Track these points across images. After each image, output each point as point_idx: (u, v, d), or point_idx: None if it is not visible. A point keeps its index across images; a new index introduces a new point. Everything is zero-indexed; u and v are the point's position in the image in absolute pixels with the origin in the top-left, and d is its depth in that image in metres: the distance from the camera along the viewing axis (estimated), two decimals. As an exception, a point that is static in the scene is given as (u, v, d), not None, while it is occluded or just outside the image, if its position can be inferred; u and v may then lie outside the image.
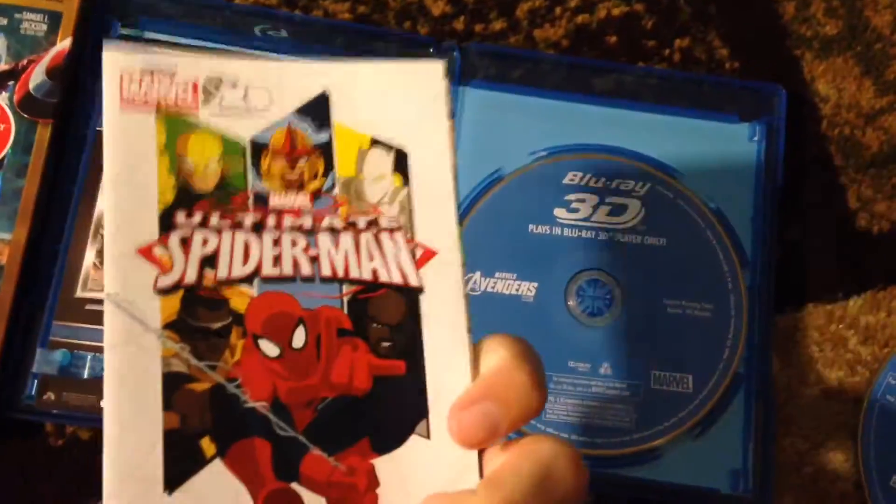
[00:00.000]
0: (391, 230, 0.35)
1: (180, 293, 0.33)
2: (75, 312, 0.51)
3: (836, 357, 0.56)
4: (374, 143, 0.36)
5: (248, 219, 0.34)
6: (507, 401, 0.34)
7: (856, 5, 0.61)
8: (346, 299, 0.35)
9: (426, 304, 0.35)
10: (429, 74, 0.37)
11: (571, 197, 0.56)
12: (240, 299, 0.34)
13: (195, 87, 0.34)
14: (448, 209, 0.36)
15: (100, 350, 0.51)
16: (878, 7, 0.61)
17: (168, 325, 0.33)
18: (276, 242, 0.34)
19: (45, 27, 0.55)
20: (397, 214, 0.35)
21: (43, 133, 0.54)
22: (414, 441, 0.34)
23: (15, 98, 0.54)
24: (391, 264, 0.35)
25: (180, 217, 0.33)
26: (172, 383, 0.32)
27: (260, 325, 0.34)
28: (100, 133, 0.53)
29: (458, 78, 0.57)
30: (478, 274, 0.54)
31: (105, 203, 0.34)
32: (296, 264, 0.34)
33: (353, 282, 0.35)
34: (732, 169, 0.57)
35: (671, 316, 0.54)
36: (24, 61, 0.54)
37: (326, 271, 0.34)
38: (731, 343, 0.54)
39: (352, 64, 0.36)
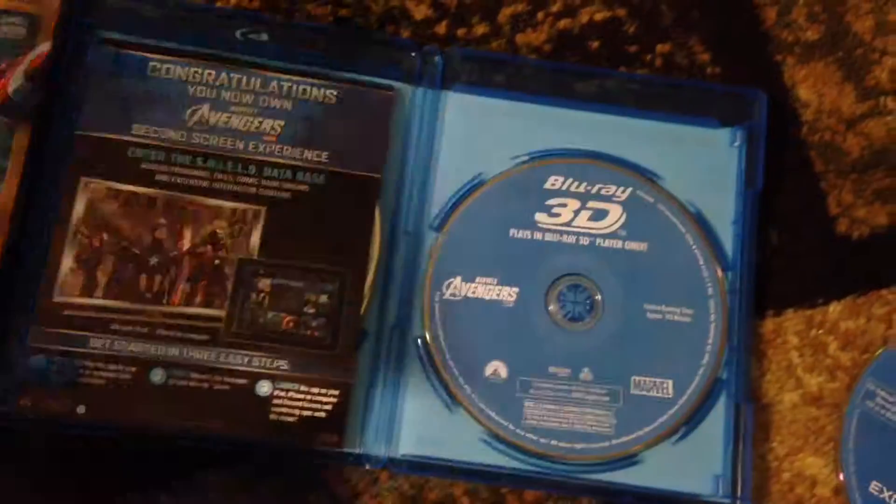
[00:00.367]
0: None
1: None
2: (53, 317, 0.51)
3: (815, 362, 0.56)
4: None
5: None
6: None
7: (837, 11, 0.61)
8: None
9: None
10: None
11: (553, 202, 0.56)
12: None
13: None
14: None
15: (78, 355, 0.50)
16: (859, 13, 0.61)
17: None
18: None
19: (23, 30, 0.55)
20: None
21: (21, 137, 0.53)
22: None
23: (-7, 101, 0.54)
24: None
25: None
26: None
27: None
28: (79, 137, 0.53)
29: (440, 82, 0.57)
30: (458, 279, 0.54)
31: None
32: None
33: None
34: (713, 174, 0.57)
35: (652, 321, 0.54)
36: (3, 65, 0.54)
37: None
38: (712, 348, 0.54)
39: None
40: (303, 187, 0.54)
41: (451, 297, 0.54)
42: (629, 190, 0.56)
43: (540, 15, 0.60)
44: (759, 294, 0.55)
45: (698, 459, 0.53)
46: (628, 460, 0.53)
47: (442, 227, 0.55)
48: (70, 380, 0.50)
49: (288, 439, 0.51)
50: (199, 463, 0.53)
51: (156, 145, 0.54)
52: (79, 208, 0.52)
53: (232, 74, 0.55)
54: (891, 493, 0.53)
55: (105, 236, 0.52)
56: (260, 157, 0.54)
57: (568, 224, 0.55)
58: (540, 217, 0.55)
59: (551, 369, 0.53)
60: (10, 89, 0.54)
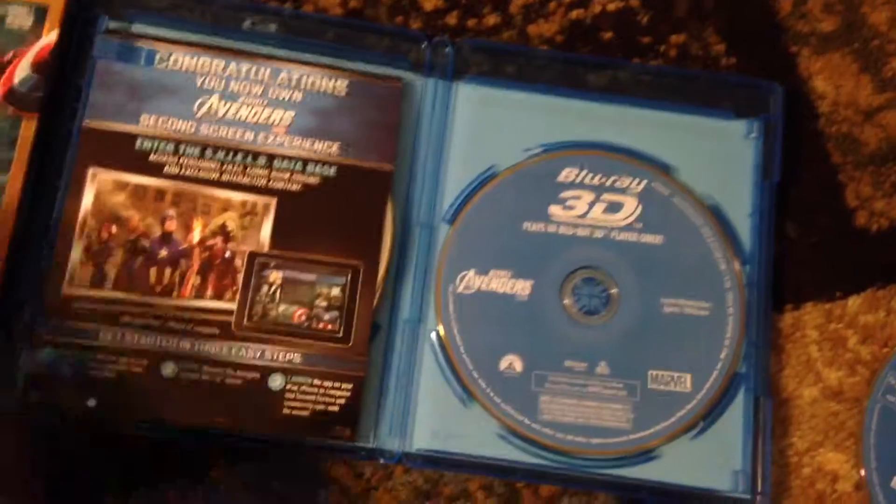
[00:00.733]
0: None
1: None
2: (63, 310, 0.50)
3: (835, 357, 0.55)
4: None
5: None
6: None
7: (853, 2, 0.60)
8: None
9: None
10: None
11: (567, 194, 0.55)
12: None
13: None
14: None
15: (86, 348, 0.50)
16: (875, 3, 0.60)
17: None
18: None
19: (30, 21, 0.54)
20: None
21: (28, 127, 0.53)
22: None
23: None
24: None
25: None
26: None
27: None
28: (86, 128, 0.52)
29: (451, 74, 0.56)
30: (472, 272, 0.53)
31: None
32: None
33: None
34: (729, 166, 0.56)
35: (668, 315, 0.53)
36: (9, 55, 0.53)
37: None
38: (730, 342, 0.53)
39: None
40: (313, 179, 0.53)
41: (465, 291, 0.53)
42: (644, 182, 0.55)
43: (552, 5, 0.60)
44: (777, 288, 0.55)
45: (717, 455, 0.52)
46: (646, 455, 0.52)
47: (454, 219, 0.54)
48: (80, 373, 0.49)
49: (301, 434, 0.50)
50: (212, 457, 0.52)
51: (164, 136, 0.53)
52: (87, 200, 0.52)
53: (241, 65, 0.55)
54: (912, 488, 0.52)
55: (114, 229, 0.51)
56: (270, 149, 0.53)
57: (582, 217, 0.55)
58: (554, 210, 0.55)
59: (567, 363, 0.53)
60: (17, 80, 0.53)
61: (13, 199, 0.51)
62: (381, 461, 0.51)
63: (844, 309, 0.56)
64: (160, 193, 0.52)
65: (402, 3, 0.59)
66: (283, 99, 0.54)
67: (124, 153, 0.52)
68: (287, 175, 0.53)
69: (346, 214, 0.53)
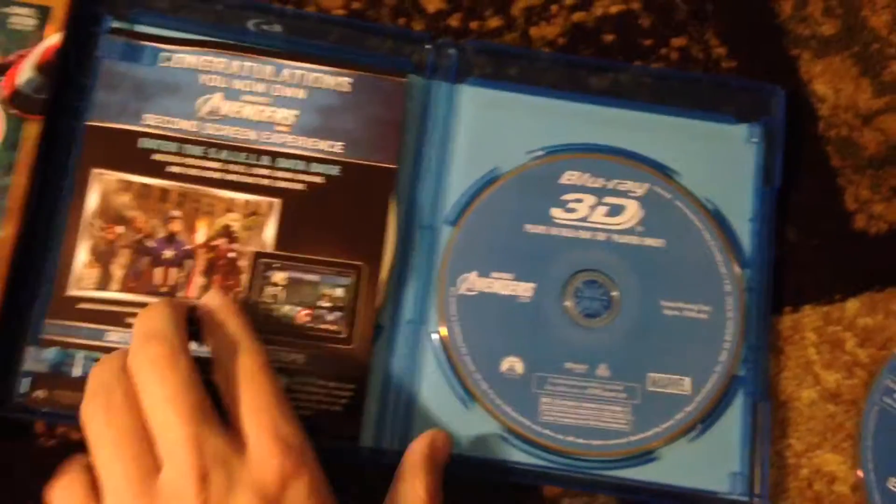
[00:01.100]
0: None
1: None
2: (67, 310, 0.50)
3: (833, 359, 0.56)
4: None
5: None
6: None
7: (853, 5, 0.61)
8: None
9: None
10: None
11: (568, 197, 0.55)
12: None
13: None
14: None
15: (91, 348, 0.50)
16: (875, 7, 0.61)
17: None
18: None
19: (34, 21, 0.54)
20: None
21: (31, 129, 0.53)
22: None
23: (3, 93, 0.53)
24: None
25: None
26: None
27: None
28: (90, 128, 0.52)
29: (455, 75, 0.57)
30: (474, 274, 0.54)
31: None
32: None
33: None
34: (730, 170, 0.56)
35: (669, 317, 0.54)
36: (13, 56, 0.53)
37: None
38: (729, 345, 0.53)
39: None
40: (317, 178, 0.53)
41: (467, 293, 0.53)
42: (646, 186, 0.56)
43: (554, 8, 0.60)
44: (776, 290, 0.55)
45: (716, 456, 0.53)
46: (645, 457, 0.52)
47: (457, 221, 0.55)
48: (85, 373, 0.49)
49: (304, 434, 0.50)
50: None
51: (166, 136, 0.53)
52: (91, 201, 0.52)
53: (244, 62, 0.55)
54: (908, 489, 0.53)
55: (119, 229, 0.52)
56: (273, 148, 0.54)
57: (584, 219, 0.55)
58: (556, 212, 0.55)
59: (567, 365, 0.53)
60: (21, 81, 0.53)
61: (18, 200, 0.51)
62: (383, 462, 0.51)
63: (843, 312, 0.56)
64: (164, 194, 0.52)
65: (404, 4, 0.59)
66: (287, 97, 0.55)
67: (127, 153, 0.53)
68: (291, 175, 0.53)
69: (349, 214, 0.53)
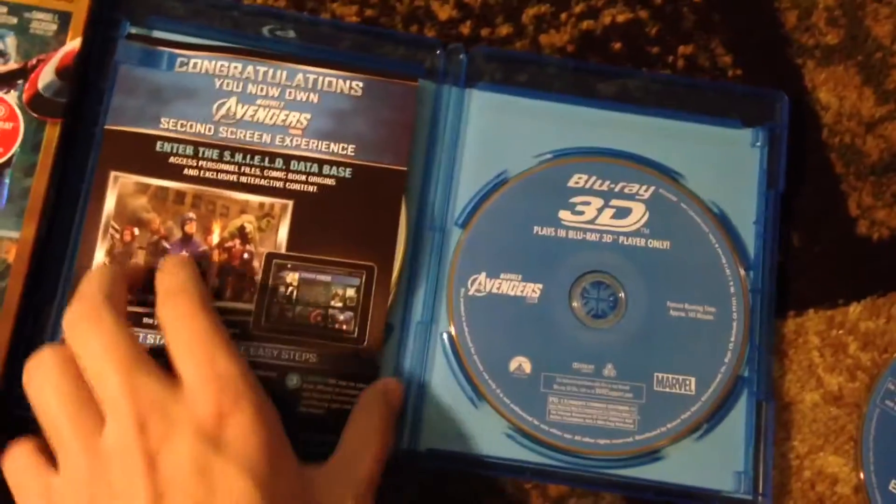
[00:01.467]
0: None
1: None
2: (84, 310, 0.51)
3: (836, 362, 0.56)
4: None
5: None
6: None
7: (857, 15, 0.62)
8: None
9: None
10: None
11: (576, 199, 0.56)
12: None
13: None
14: None
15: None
16: (878, 17, 0.62)
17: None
18: None
19: (54, 27, 0.55)
20: None
21: (51, 132, 0.54)
22: None
23: (24, 97, 0.54)
24: None
25: None
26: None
27: None
28: (108, 132, 0.54)
29: (465, 80, 0.58)
30: (483, 275, 0.55)
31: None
32: None
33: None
34: (735, 174, 0.57)
35: (674, 319, 0.55)
36: (34, 60, 0.55)
37: None
38: (734, 346, 0.54)
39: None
40: (329, 181, 0.54)
41: (476, 294, 0.54)
42: (652, 189, 0.57)
43: (563, 16, 0.61)
44: (780, 294, 0.56)
45: (720, 456, 0.53)
46: (651, 456, 0.53)
47: (466, 223, 0.56)
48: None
49: (316, 432, 0.51)
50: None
51: (183, 139, 0.54)
52: (109, 203, 0.53)
53: (258, 67, 0.56)
54: (909, 491, 0.54)
55: (136, 231, 0.53)
56: (287, 151, 0.55)
57: (591, 222, 0.56)
58: (563, 214, 0.56)
59: (575, 365, 0.54)
60: (41, 85, 0.54)
61: (37, 201, 0.52)
62: (392, 460, 0.52)
63: (846, 316, 0.57)
64: (180, 196, 0.53)
65: (416, 12, 0.60)
66: (300, 100, 0.56)
67: (145, 156, 0.54)
68: (303, 177, 0.54)
69: (361, 215, 0.54)
